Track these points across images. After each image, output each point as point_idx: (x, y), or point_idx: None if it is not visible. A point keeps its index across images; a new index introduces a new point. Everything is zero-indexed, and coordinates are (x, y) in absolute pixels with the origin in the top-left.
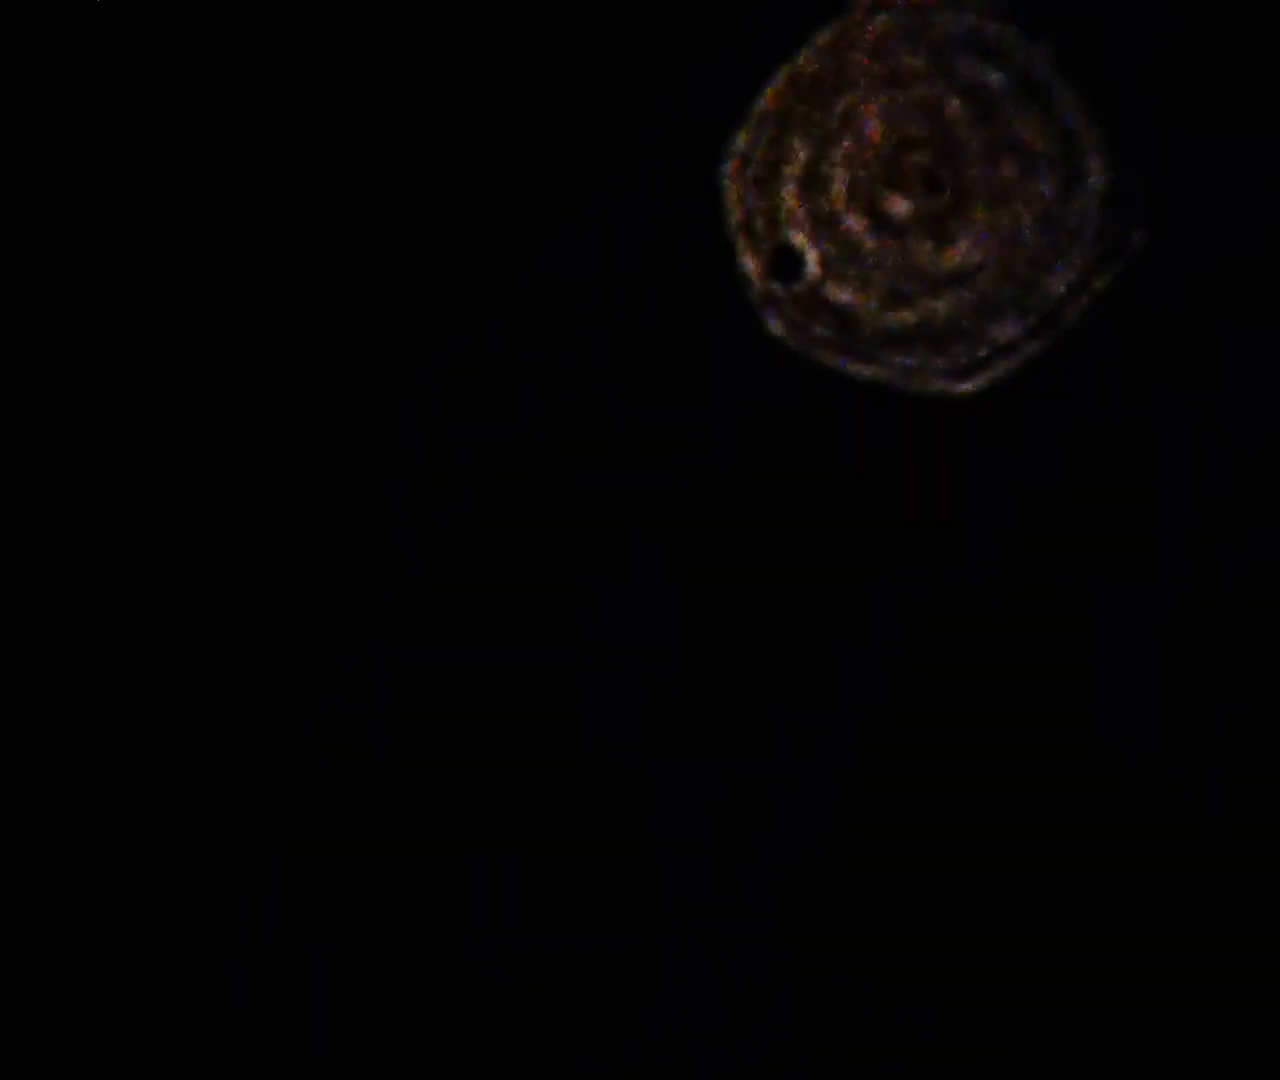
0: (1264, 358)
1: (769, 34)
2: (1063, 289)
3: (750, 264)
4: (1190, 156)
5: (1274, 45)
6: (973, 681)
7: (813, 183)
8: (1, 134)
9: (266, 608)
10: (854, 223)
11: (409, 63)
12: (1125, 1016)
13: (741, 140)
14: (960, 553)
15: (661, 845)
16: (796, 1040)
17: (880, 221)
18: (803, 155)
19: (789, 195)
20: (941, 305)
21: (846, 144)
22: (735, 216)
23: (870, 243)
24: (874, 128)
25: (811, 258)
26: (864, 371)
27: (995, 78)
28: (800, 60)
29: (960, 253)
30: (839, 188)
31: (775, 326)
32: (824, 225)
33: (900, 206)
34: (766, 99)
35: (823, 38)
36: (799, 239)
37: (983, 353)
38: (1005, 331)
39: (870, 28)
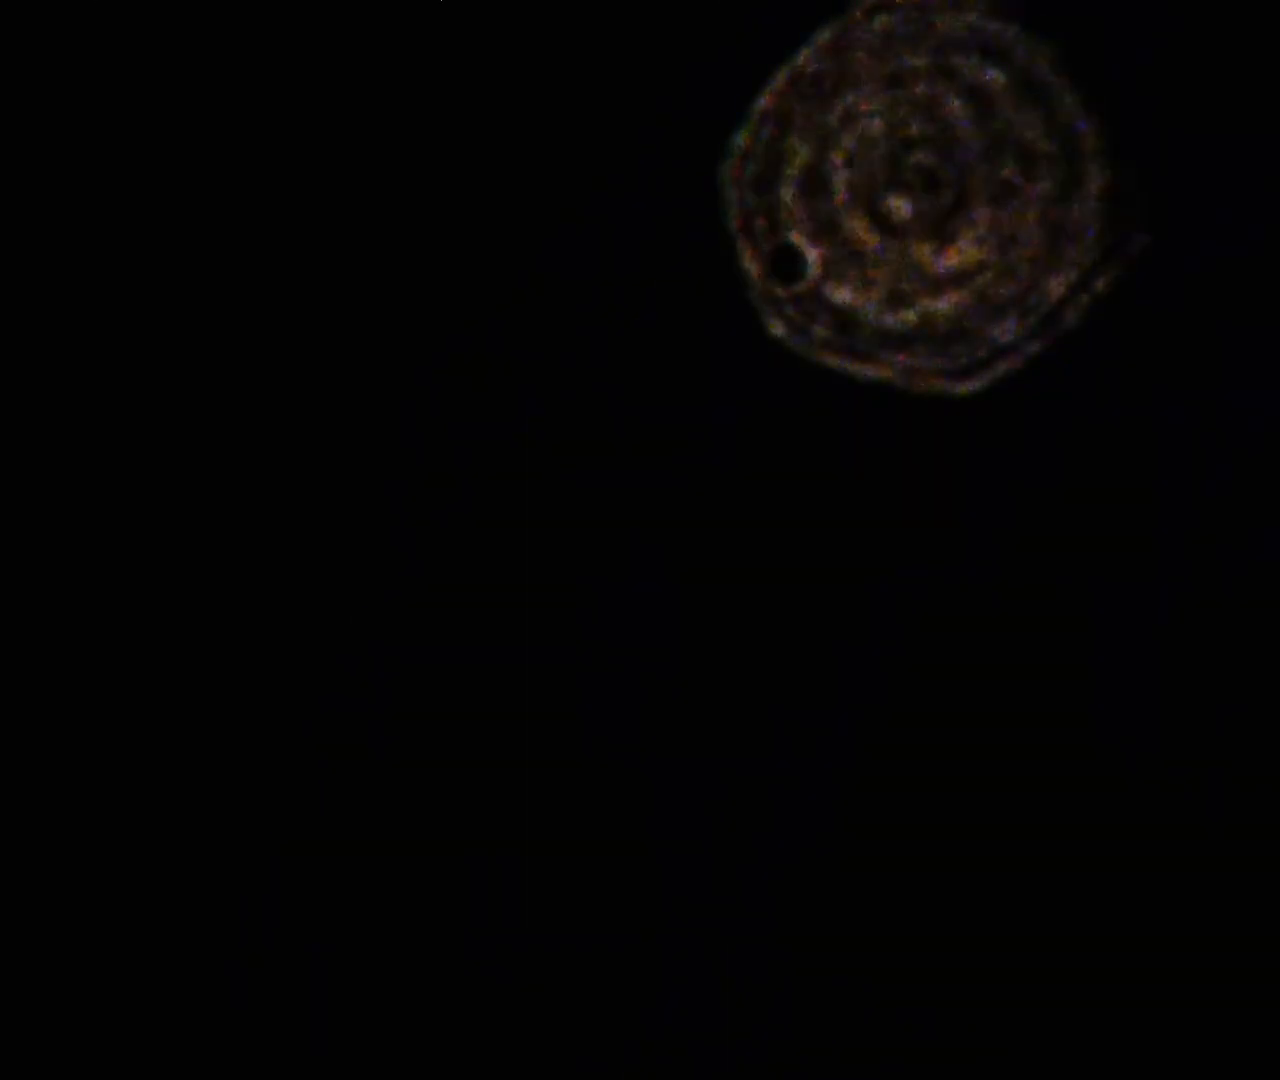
0: (1264, 358)
1: (769, 34)
2: (1063, 289)
3: (750, 264)
4: (1190, 156)
5: (1274, 45)
6: (973, 681)
7: (813, 183)
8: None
9: (267, 608)
10: (854, 223)
11: (409, 63)
12: (1125, 1016)
13: (742, 140)
14: (960, 553)
15: (661, 845)
16: (796, 1040)
17: (881, 222)
18: (803, 155)
19: (789, 195)
20: (942, 305)
21: (847, 144)
22: (735, 217)
23: (871, 243)
24: (875, 127)
25: (812, 258)
26: (864, 372)
27: (996, 77)
28: (800, 60)
29: (961, 253)
30: (839, 188)
31: (775, 327)
32: (824, 225)
33: (901, 207)
34: (767, 99)
35: (823, 37)
36: (799, 239)
37: (983, 353)
38: (1005, 332)
39: (871, 28)
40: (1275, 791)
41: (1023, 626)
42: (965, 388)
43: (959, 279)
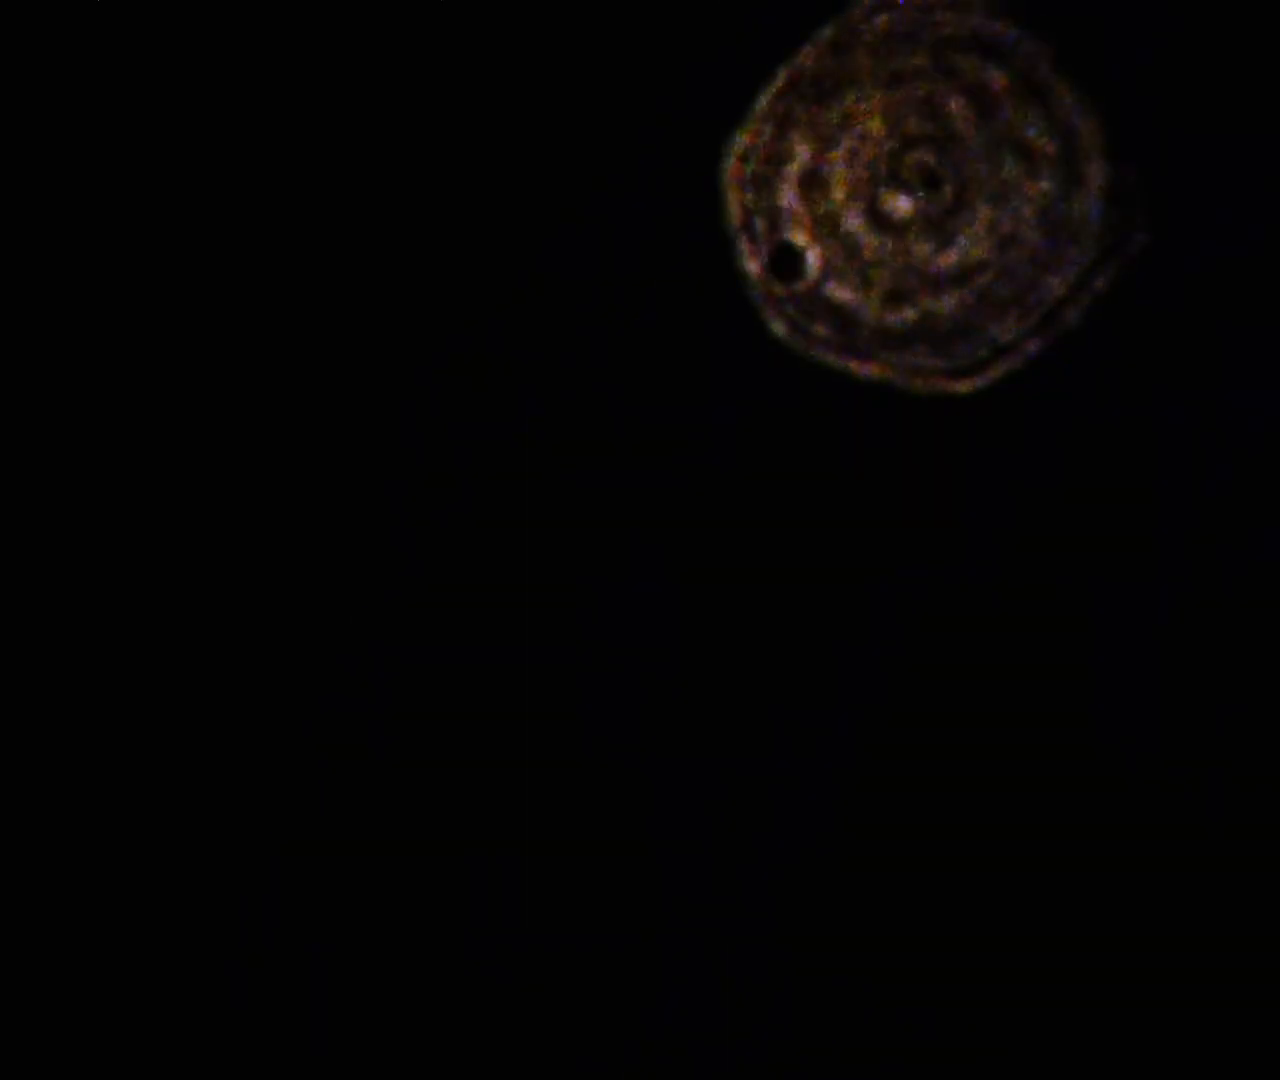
0: (1264, 358)
1: (769, 33)
2: (1063, 289)
3: (750, 264)
4: (1190, 156)
5: (1274, 45)
6: (973, 681)
7: (813, 182)
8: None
9: (267, 608)
10: (854, 222)
11: (409, 63)
12: (1125, 1016)
13: (742, 140)
14: (960, 553)
15: (661, 845)
16: (796, 1040)
17: (881, 221)
18: (803, 155)
19: (789, 195)
20: (942, 305)
21: (847, 143)
22: (735, 216)
23: (871, 242)
24: (875, 126)
25: (812, 257)
26: (864, 371)
27: (996, 77)
28: (801, 59)
29: (961, 252)
30: (839, 187)
31: (775, 326)
32: (824, 225)
33: (901, 206)
34: (767, 98)
35: (823, 37)
36: (799, 238)
37: (983, 352)
38: (1006, 331)
39: (872, 27)
40: (1275, 791)
41: (1023, 626)
42: (965, 387)
43: (959, 278)
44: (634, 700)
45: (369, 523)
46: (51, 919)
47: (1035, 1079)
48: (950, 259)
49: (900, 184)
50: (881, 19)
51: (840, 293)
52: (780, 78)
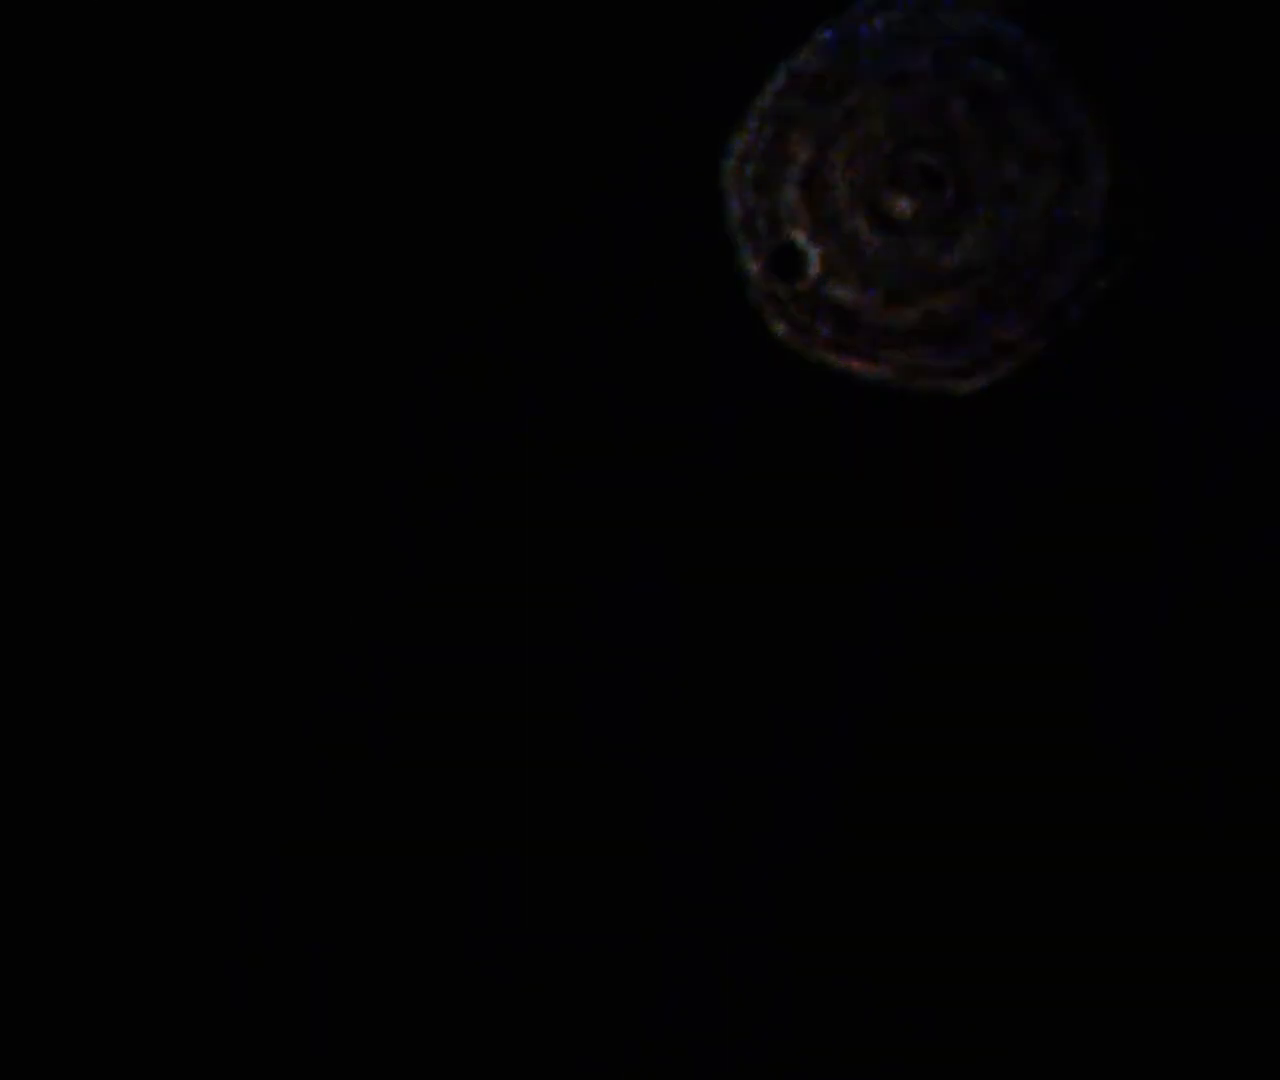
0: (1264, 358)
1: (770, 32)
2: (1064, 288)
3: (751, 263)
4: (1190, 156)
5: (1274, 45)
6: (973, 681)
7: (814, 182)
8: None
9: (267, 607)
10: (856, 222)
11: (409, 63)
12: (1125, 1016)
13: (743, 139)
14: (960, 553)
15: (661, 845)
16: (796, 1040)
17: (882, 220)
18: (804, 154)
19: (790, 194)
20: (943, 304)
21: (848, 143)
22: (736, 215)
23: (872, 241)
24: (876, 126)
25: (813, 257)
26: (865, 371)
27: (998, 76)
28: (802, 58)
29: (962, 252)
30: (841, 186)
31: (776, 326)
32: (825, 224)
33: (902, 205)
34: (767, 98)
35: (824, 36)
36: (800, 238)
37: (984, 352)
38: (1006, 330)
39: (873, 26)
40: (1275, 791)
41: (1023, 626)
42: (966, 386)
43: (960, 278)
44: (634, 700)
45: (369, 523)
46: (51, 919)
47: (1035, 1079)
48: (951, 259)
49: (901, 184)
50: (882, 18)
51: (841, 292)
52: (781, 77)
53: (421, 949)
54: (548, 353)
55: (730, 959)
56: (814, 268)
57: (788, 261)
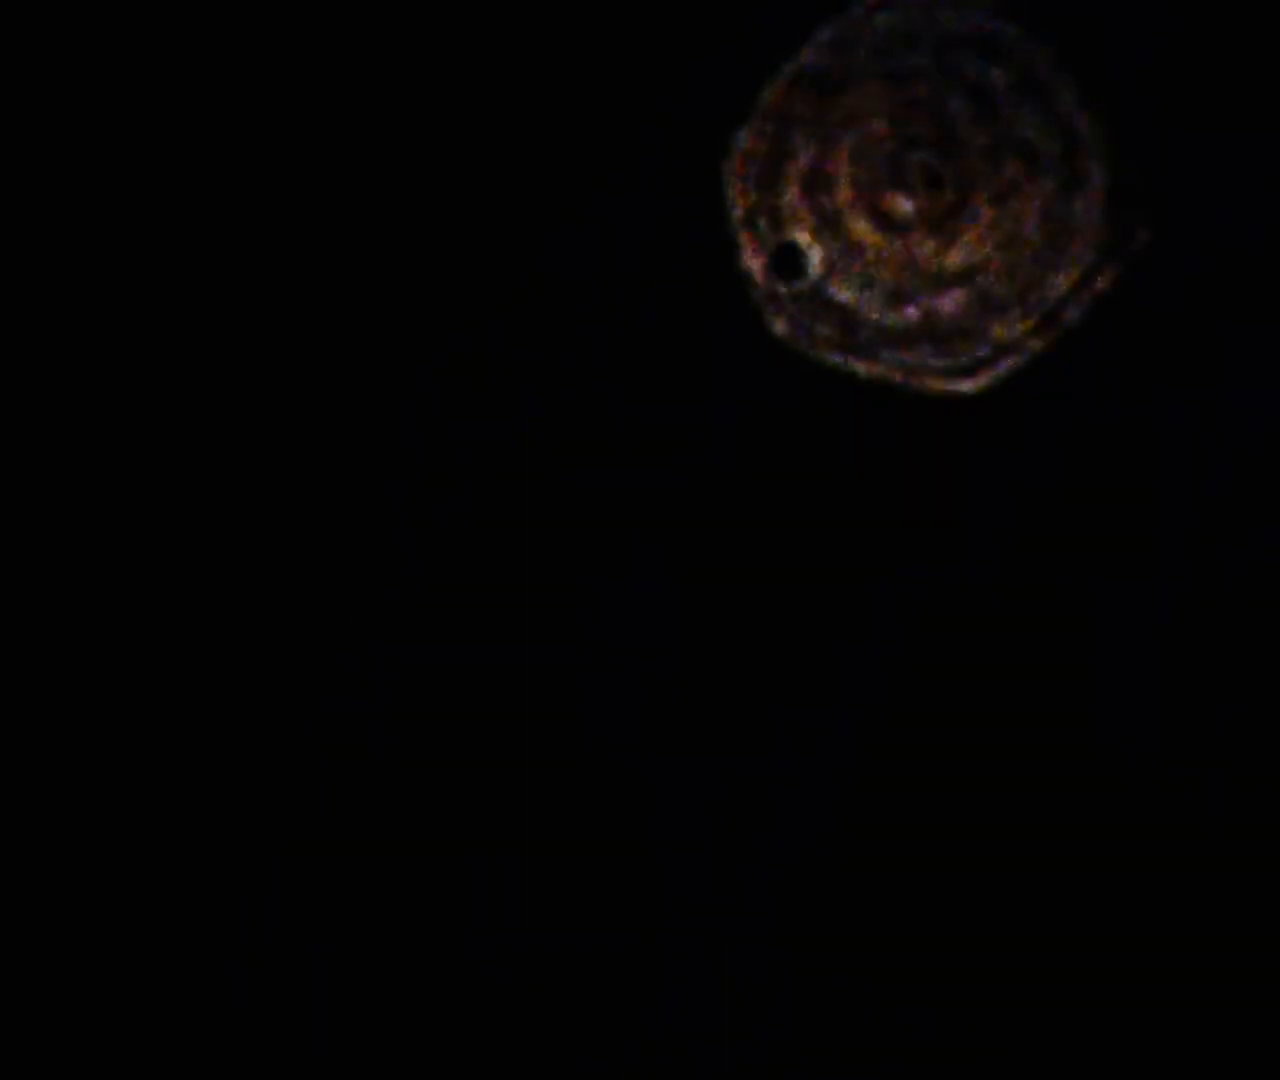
0: (1264, 358)
1: (771, 31)
2: (1064, 288)
3: (752, 263)
4: (1190, 156)
5: (1274, 45)
6: (973, 681)
7: (815, 181)
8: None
9: (267, 608)
10: (856, 221)
11: (409, 62)
12: (1125, 1016)
13: (744, 138)
14: (960, 553)
15: (661, 845)
16: (796, 1040)
17: (883, 220)
18: (805, 153)
19: (791, 193)
20: (944, 304)
21: (849, 142)
22: (737, 215)
23: (873, 241)
24: (876, 126)
25: (814, 256)
26: (866, 370)
27: (998, 76)
28: (803, 57)
29: (962, 251)
30: (842, 186)
31: (777, 325)
32: (827, 223)
33: (903, 205)
34: (769, 96)
35: (825, 35)
36: (801, 237)
37: (984, 352)
38: (1007, 330)
39: (873, 25)
40: (1275, 791)
41: (1023, 626)
42: (967, 386)
43: (961, 277)
44: (634, 700)
45: (369, 523)
46: (52, 919)
47: (1035, 1079)
48: (952, 258)
49: (902, 184)
50: (883, 17)
51: (842, 292)
52: (782, 76)
53: (421, 949)
54: (548, 353)
55: (730, 959)
56: (815, 267)
57: (788, 261)
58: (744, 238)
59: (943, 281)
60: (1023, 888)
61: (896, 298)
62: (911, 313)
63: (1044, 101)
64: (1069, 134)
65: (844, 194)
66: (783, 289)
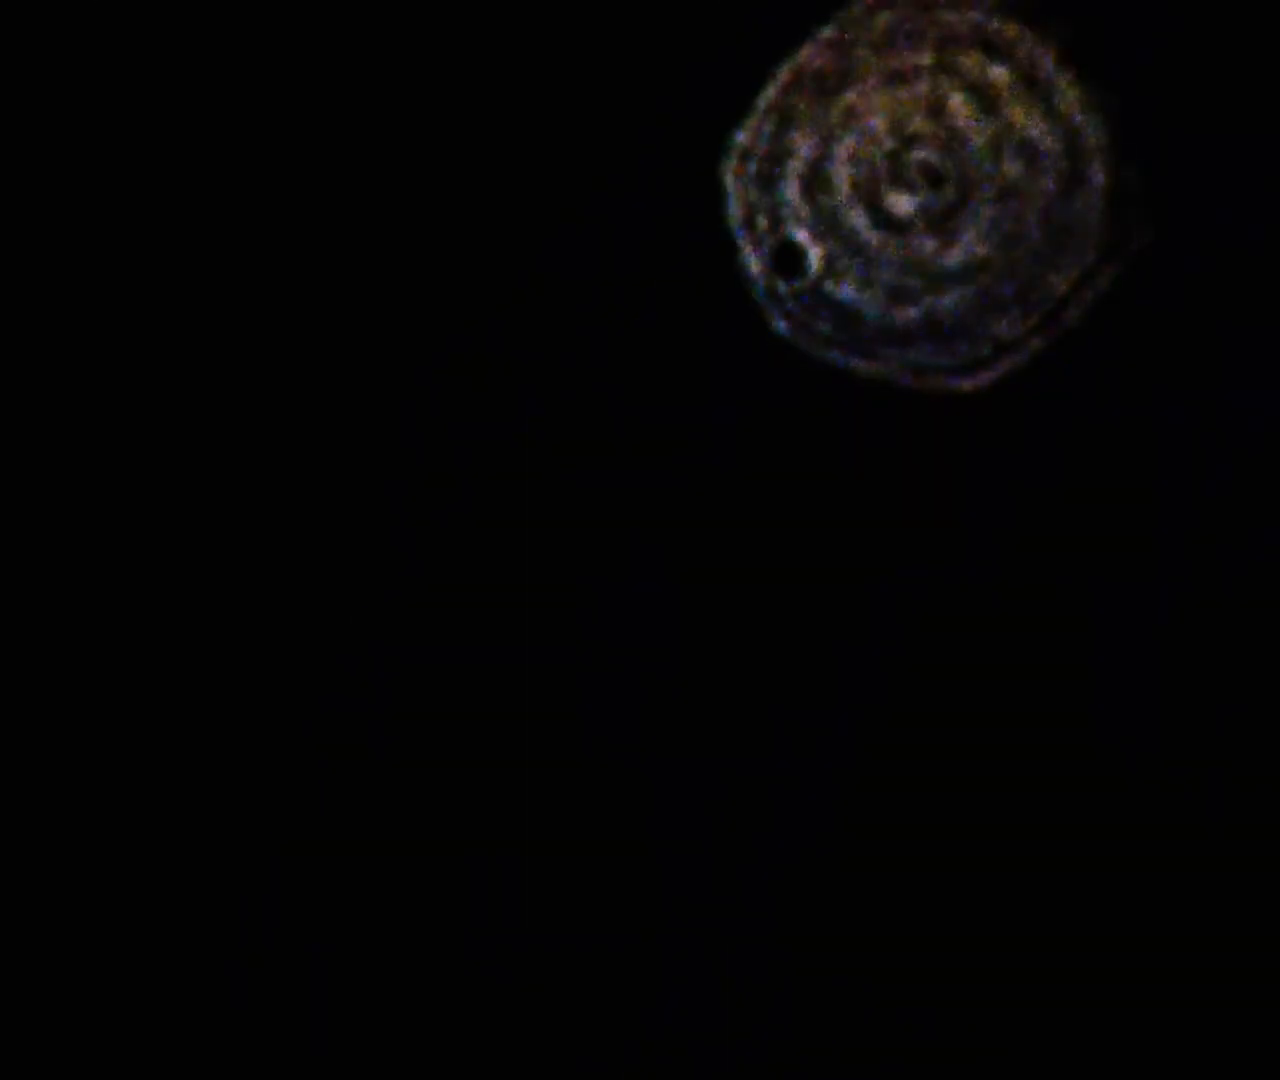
0: (1264, 358)
1: (771, 29)
2: (1065, 287)
3: (752, 261)
4: (1190, 156)
5: (1274, 45)
6: (973, 681)
7: (815, 180)
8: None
9: (267, 608)
10: (856, 220)
11: (409, 62)
12: (1125, 1016)
13: (743, 137)
14: (960, 553)
15: (661, 845)
16: (796, 1040)
17: (883, 218)
18: (805, 152)
19: (791, 192)
20: (944, 302)
21: (849, 140)
22: (737, 213)
23: (873, 239)
24: (877, 124)
25: (814, 255)
26: (866, 369)
27: (999, 74)
28: (803, 55)
29: (963, 250)
30: (841, 184)
31: (777, 324)
32: (826, 222)
33: (903, 204)
34: (769, 95)
35: (825, 33)
36: (801, 236)
37: (985, 350)
38: (1007, 329)
39: (873, 23)
40: (1275, 791)
41: (1023, 626)
42: (967, 385)
43: (961, 276)
44: (634, 700)
45: (369, 523)
46: (51, 919)
47: (1035, 1079)
48: (952, 257)
49: (902, 182)
50: (883, 15)
51: (842, 291)
52: (782, 75)
53: (421, 949)
54: (548, 353)
55: (730, 959)
56: (814, 266)
57: (788, 260)
58: (744, 237)
59: (943, 280)
60: (1023, 888)
61: (896, 297)
62: (911, 312)
63: (1045, 100)
64: (1070, 132)
65: (844, 192)
66: (782, 287)
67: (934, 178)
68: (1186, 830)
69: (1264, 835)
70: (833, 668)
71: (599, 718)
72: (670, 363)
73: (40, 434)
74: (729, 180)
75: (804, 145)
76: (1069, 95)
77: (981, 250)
